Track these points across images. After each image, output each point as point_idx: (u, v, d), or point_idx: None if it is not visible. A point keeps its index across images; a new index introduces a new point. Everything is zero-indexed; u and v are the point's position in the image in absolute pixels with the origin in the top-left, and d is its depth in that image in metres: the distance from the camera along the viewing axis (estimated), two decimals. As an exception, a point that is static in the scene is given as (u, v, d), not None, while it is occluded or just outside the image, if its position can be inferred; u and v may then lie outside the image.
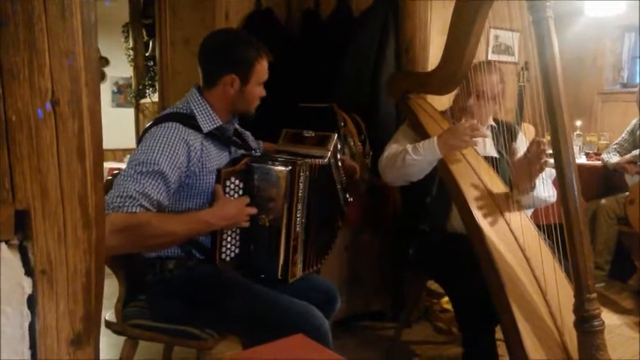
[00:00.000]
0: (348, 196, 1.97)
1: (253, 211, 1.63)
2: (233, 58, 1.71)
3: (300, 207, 1.68)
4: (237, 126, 1.86)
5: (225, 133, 1.77)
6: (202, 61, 1.75)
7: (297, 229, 1.69)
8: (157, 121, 1.67)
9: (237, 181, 1.64)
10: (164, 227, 1.51)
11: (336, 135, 1.90)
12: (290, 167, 1.64)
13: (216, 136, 1.72)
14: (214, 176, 1.64)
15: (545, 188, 2.05)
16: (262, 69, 1.74)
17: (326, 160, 1.80)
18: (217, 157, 1.71)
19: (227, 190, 1.63)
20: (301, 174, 1.66)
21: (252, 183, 1.65)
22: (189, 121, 1.66)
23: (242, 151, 1.80)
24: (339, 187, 1.90)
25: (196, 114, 1.69)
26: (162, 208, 1.58)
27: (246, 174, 1.65)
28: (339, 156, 1.90)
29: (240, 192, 1.65)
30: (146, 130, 1.67)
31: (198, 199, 1.67)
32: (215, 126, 1.71)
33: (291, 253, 1.68)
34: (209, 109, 1.71)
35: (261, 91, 1.77)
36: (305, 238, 1.73)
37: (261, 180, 1.64)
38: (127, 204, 1.47)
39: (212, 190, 1.63)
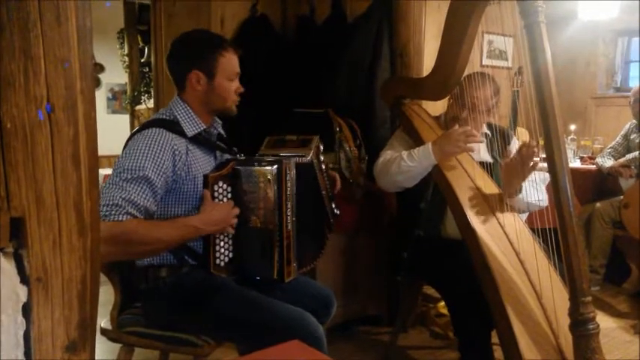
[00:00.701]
0: (334, 206, 1.96)
1: (237, 211, 1.63)
2: (192, 55, 1.71)
3: (289, 205, 1.68)
4: (221, 130, 1.86)
5: (210, 137, 1.78)
6: (169, 67, 1.78)
7: (289, 227, 1.68)
8: (140, 128, 1.67)
9: (224, 185, 1.64)
10: (151, 234, 1.51)
11: (318, 137, 1.89)
12: (276, 166, 1.65)
13: (200, 141, 1.72)
14: (201, 181, 1.64)
15: (536, 192, 2.06)
16: (229, 62, 1.72)
17: (309, 158, 1.80)
18: (203, 162, 1.72)
19: (215, 194, 1.63)
20: (288, 172, 1.66)
21: (239, 186, 1.65)
22: (173, 126, 1.67)
23: (227, 156, 1.80)
24: (324, 192, 1.89)
25: (180, 119, 1.70)
26: (150, 213, 1.57)
27: (233, 177, 1.65)
28: (322, 158, 1.90)
29: (229, 196, 1.65)
30: (129, 137, 1.67)
31: (186, 205, 1.67)
32: (199, 130, 1.71)
33: (285, 252, 1.67)
34: (191, 113, 1.72)
35: (236, 87, 1.76)
36: (297, 237, 1.73)
37: (248, 182, 1.65)
38: (113, 212, 1.46)
39: (200, 195, 1.63)
